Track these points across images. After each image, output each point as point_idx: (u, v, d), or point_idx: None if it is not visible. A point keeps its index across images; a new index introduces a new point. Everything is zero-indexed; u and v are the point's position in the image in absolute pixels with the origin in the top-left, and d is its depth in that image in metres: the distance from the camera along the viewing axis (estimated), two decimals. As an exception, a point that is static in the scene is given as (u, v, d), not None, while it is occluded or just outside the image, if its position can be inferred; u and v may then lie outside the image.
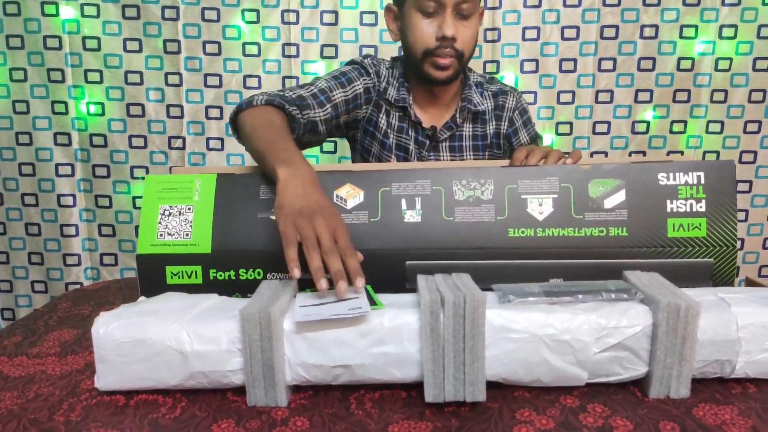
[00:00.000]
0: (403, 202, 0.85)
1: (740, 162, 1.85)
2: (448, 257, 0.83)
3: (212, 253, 0.84)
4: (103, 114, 1.91)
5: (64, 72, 1.87)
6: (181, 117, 1.92)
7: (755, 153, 1.85)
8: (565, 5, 1.82)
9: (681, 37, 1.81)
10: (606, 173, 0.85)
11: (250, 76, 1.92)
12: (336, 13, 1.88)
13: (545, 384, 0.68)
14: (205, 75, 1.91)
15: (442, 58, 1.12)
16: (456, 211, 0.85)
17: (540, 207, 0.84)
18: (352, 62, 1.23)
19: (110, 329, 0.66)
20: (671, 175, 0.84)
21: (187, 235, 0.85)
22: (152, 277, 0.84)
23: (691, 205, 0.83)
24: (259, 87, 1.92)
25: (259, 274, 0.83)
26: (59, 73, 1.87)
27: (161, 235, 0.85)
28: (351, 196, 0.86)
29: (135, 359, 0.66)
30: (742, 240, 1.90)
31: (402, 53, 1.23)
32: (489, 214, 0.84)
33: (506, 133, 1.25)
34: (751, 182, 1.87)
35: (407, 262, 0.83)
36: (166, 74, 1.90)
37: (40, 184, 1.94)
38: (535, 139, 1.28)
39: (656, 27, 1.81)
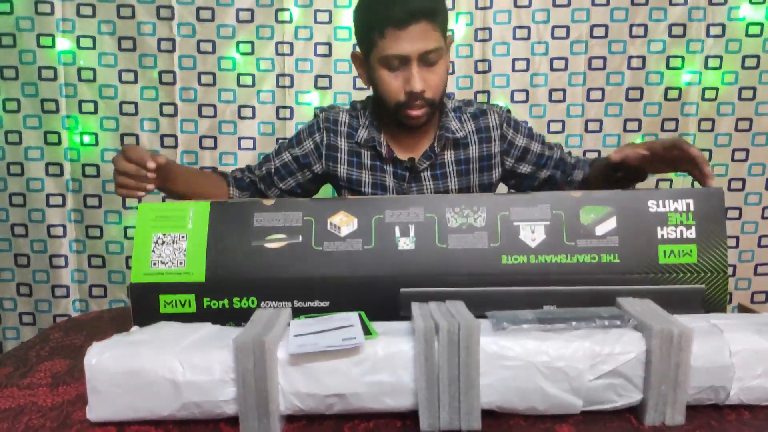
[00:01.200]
0: (397, 229, 0.86)
1: (729, 189, 1.88)
2: (441, 284, 0.83)
3: (206, 281, 0.84)
4: (96, 144, 1.92)
5: (58, 102, 1.88)
6: (175, 147, 1.93)
7: (744, 180, 1.87)
8: (553, 37, 1.85)
9: (668, 67, 1.85)
10: (597, 200, 0.86)
11: (245, 106, 1.93)
12: (330, 44, 1.91)
13: (540, 412, 0.67)
14: (200, 105, 1.93)
15: (413, 110, 1.12)
16: (449, 238, 0.85)
17: (532, 234, 0.85)
18: (314, 116, 1.29)
19: (103, 359, 0.65)
20: (661, 202, 0.85)
21: (180, 263, 0.85)
22: (145, 306, 0.84)
23: (681, 231, 0.84)
24: (254, 117, 1.94)
25: (253, 302, 0.83)
26: (53, 104, 1.88)
27: (155, 263, 0.85)
28: (344, 223, 0.87)
29: (128, 390, 0.65)
30: (734, 266, 1.91)
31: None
32: (482, 241, 0.85)
33: (502, 149, 1.24)
34: (740, 209, 1.89)
35: (401, 290, 0.83)
36: (161, 104, 1.91)
37: (30, 214, 1.93)
38: (532, 134, 1.26)
39: (643, 58, 1.84)
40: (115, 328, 1.03)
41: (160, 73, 1.89)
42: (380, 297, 0.83)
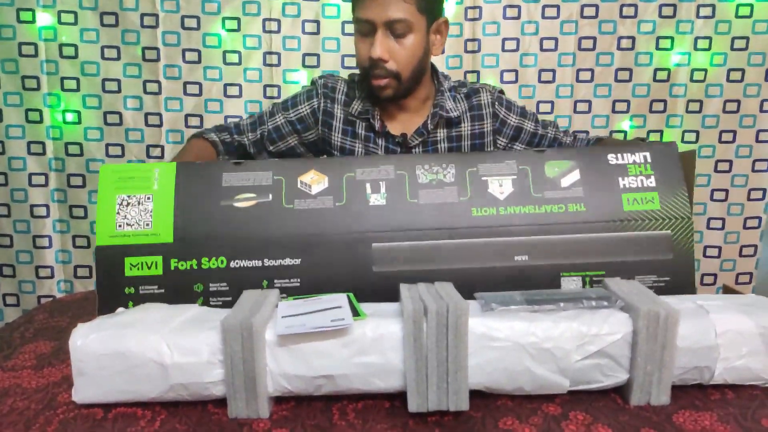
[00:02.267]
0: (368, 186, 0.87)
1: (716, 171, 1.88)
2: (414, 238, 0.84)
3: (174, 242, 0.83)
4: (79, 122, 1.88)
5: (39, 80, 1.84)
6: (160, 125, 1.90)
7: (730, 162, 1.88)
8: (543, 17, 1.84)
9: (657, 48, 1.84)
10: (560, 156, 0.89)
11: (231, 84, 1.90)
12: (318, 22, 1.87)
13: (527, 392, 0.68)
14: (185, 83, 1.89)
15: (375, 79, 1.13)
16: (420, 193, 0.87)
17: (500, 187, 0.87)
18: (311, 83, 1.27)
19: (88, 341, 0.65)
20: (620, 156, 0.89)
21: (147, 225, 0.84)
22: (110, 270, 0.83)
23: (641, 180, 0.87)
24: (240, 95, 1.91)
25: (222, 262, 0.83)
26: (34, 81, 1.84)
27: (120, 225, 0.84)
28: (315, 182, 0.87)
29: (114, 372, 0.65)
30: (719, 248, 1.93)
31: None
32: (452, 195, 0.87)
33: (494, 128, 1.24)
34: (727, 191, 1.90)
35: (374, 245, 0.83)
36: (145, 82, 1.88)
37: (12, 194, 1.89)
38: (525, 113, 1.27)
39: (633, 38, 1.84)
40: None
41: (144, 49, 1.85)
42: (353, 253, 0.83)
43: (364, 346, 0.66)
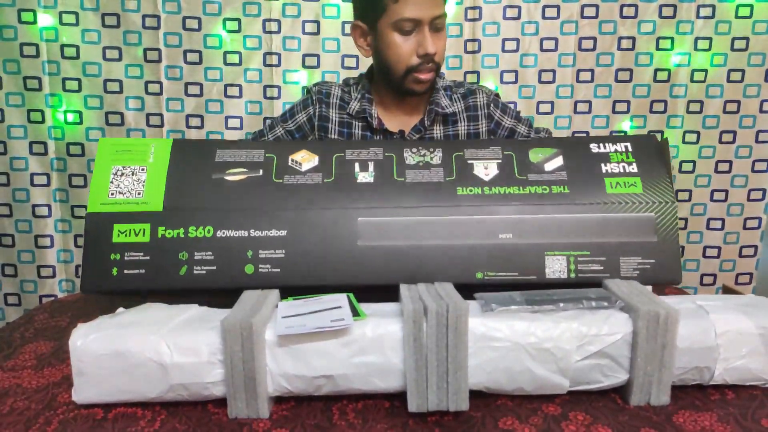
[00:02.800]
0: (357, 165, 0.89)
1: (716, 171, 1.88)
2: (399, 214, 0.85)
3: (163, 210, 0.84)
4: (81, 122, 1.88)
5: (41, 80, 1.84)
6: (161, 126, 1.90)
7: (730, 162, 1.88)
8: (543, 17, 1.84)
9: (657, 48, 1.84)
10: (543, 143, 0.92)
11: (232, 85, 1.90)
12: (318, 22, 1.88)
13: (527, 392, 0.68)
14: (186, 84, 1.90)
15: (424, 73, 1.15)
16: (407, 173, 0.88)
17: (486, 170, 0.89)
18: (306, 92, 1.31)
19: (88, 341, 0.65)
20: (602, 145, 0.91)
21: (139, 194, 0.85)
22: (98, 236, 0.83)
23: (623, 167, 0.89)
24: (240, 96, 1.91)
25: (209, 231, 0.83)
26: (36, 81, 1.84)
27: (112, 194, 0.85)
28: (306, 160, 0.89)
29: (114, 372, 0.65)
30: (719, 248, 1.93)
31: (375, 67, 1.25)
32: (438, 175, 0.88)
33: (488, 129, 1.27)
34: (726, 191, 1.90)
35: (359, 219, 0.84)
36: (146, 83, 1.88)
37: (14, 194, 1.90)
38: (520, 117, 1.30)
39: (633, 39, 1.84)
40: (101, 309, 1.02)
41: (145, 50, 1.85)
42: (338, 226, 0.84)
43: (364, 346, 0.66)
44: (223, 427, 0.64)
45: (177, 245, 0.83)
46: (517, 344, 0.66)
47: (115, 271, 0.82)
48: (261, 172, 0.87)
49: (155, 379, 0.65)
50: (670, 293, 1.01)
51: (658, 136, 1.83)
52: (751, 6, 1.77)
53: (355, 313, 0.68)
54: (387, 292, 0.78)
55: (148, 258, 0.82)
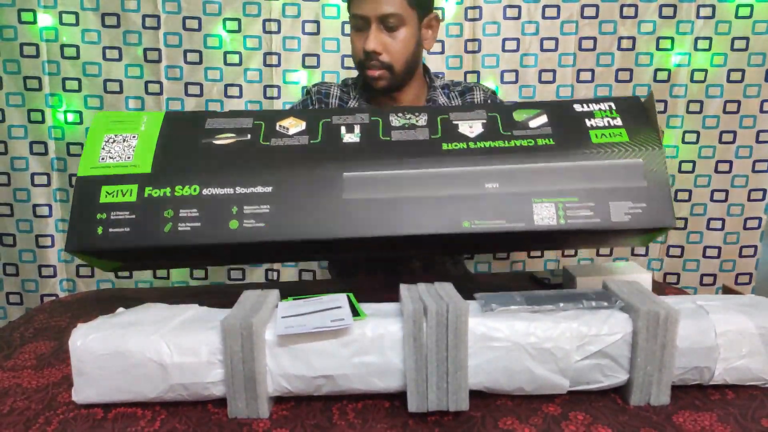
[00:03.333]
0: (343, 128, 0.91)
1: (716, 172, 1.88)
2: (385, 168, 0.86)
3: (151, 172, 0.85)
4: (81, 122, 1.88)
5: (41, 80, 1.84)
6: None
7: (731, 163, 1.88)
8: (544, 17, 1.84)
9: (658, 48, 1.84)
10: (527, 105, 0.94)
11: (232, 85, 1.90)
12: (318, 22, 1.88)
13: (528, 392, 0.68)
14: (186, 84, 1.89)
15: (370, 70, 1.17)
16: (393, 133, 0.90)
17: (470, 129, 0.90)
18: (306, 93, 1.34)
19: (88, 341, 0.65)
20: (585, 105, 0.92)
21: (128, 158, 0.86)
22: (86, 198, 0.84)
23: (608, 121, 0.89)
24: (240, 96, 1.91)
25: (195, 190, 0.84)
26: (36, 81, 1.84)
27: (103, 159, 0.86)
28: (293, 125, 0.91)
29: (114, 372, 0.65)
30: (719, 248, 1.93)
31: None
32: (423, 134, 0.90)
33: None
34: (727, 191, 1.90)
35: (345, 173, 0.85)
36: (146, 83, 1.88)
37: (15, 193, 1.90)
38: None
39: (633, 39, 1.84)
40: (101, 309, 1.02)
41: (145, 50, 1.85)
42: (324, 181, 0.85)
43: (364, 346, 0.66)
44: (223, 427, 0.64)
45: (163, 204, 0.83)
46: (517, 344, 0.66)
47: (100, 230, 0.82)
48: (249, 136, 0.89)
49: (155, 379, 0.65)
50: (670, 293, 1.02)
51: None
52: (751, 6, 1.77)
53: (355, 313, 0.68)
54: (371, 249, 0.79)
55: (133, 217, 0.83)
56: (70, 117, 1.88)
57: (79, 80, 1.86)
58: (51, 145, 1.89)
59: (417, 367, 0.64)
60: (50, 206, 1.92)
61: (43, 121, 1.87)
